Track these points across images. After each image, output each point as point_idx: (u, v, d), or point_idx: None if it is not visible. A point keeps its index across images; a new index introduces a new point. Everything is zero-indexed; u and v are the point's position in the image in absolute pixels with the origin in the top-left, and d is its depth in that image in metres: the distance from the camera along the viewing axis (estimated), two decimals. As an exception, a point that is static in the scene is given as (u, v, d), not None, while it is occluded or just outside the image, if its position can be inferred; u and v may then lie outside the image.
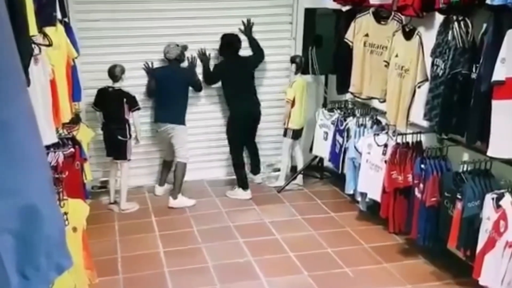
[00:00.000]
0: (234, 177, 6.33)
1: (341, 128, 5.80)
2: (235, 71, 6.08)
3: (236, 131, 6.22)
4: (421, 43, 4.55)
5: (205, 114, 6.53)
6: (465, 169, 4.03)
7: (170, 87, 5.94)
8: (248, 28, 6.27)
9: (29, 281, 1.06)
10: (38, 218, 1.07)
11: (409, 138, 4.78)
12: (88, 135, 5.62)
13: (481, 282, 3.72)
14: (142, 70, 6.12)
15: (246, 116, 6.20)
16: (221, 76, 6.21)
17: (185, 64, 6.15)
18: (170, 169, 6.28)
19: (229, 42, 6.09)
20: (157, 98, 6.07)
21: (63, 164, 4.12)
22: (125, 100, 5.65)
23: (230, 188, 6.35)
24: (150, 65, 6.13)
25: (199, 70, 6.27)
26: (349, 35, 5.52)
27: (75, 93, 4.69)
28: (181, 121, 6.01)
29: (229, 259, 4.83)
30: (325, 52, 5.97)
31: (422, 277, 4.48)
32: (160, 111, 6.04)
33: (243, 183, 6.21)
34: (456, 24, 3.98)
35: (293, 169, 6.65)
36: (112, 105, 5.70)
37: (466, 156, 4.30)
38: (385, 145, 4.95)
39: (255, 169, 6.61)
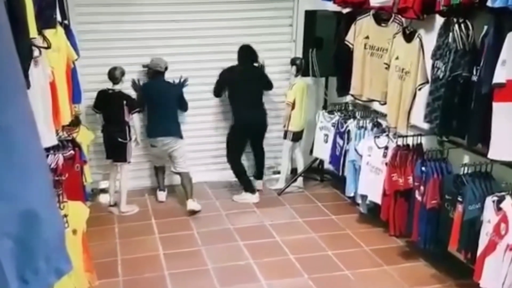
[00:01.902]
0: (234, 179, 6.32)
1: (342, 130, 5.79)
2: (248, 79, 6.06)
3: (236, 138, 6.22)
4: (421, 46, 4.55)
5: (206, 116, 6.53)
6: (465, 171, 4.02)
7: (165, 100, 5.92)
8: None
9: (28, 285, 1.06)
10: (37, 222, 1.06)
11: (409, 141, 4.78)
12: (88, 137, 5.61)
13: (482, 285, 3.71)
14: (141, 73, 6.12)
15: (249, 126, 6.18)
16: (231, 81, 6.14)
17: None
18: (164, 171, 6.28)
19: (246, 53, 6.07)
20: (152, 113, 5.97)
21: (63, 167, 4.11)
22: (125, 102, 5.65)
23: (231, 191, 6.34)
24: (137, 82, 6.07)
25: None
26: (349, 37, 5.52)
27: (75, 95, 4.68)
28: (181, 134, 6.00)
29: (229, 262, 4.83)
30: (325, 54, 5.96)
31: (422, 280, 4.48)
32: (158, 125, 5.92)
33: (249, 187, 6.19)
34: (456, 26, 3.97)
35: (294, 171, 6.64)
36: (112, 107, 5.69)
37: (466, 159, 4.30)
38: (386, 148, 4.95)
39: (259, 175, 6.56)
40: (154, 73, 5.94)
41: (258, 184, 6.51)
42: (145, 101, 5.99)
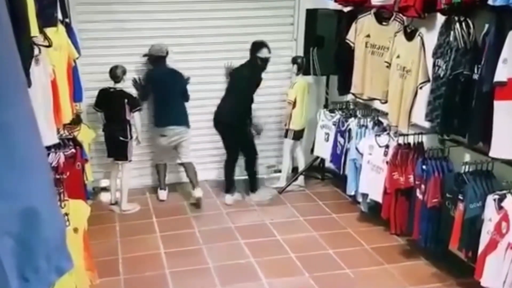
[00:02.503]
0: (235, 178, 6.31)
1: (343, 129, 5.79)
2: (238, 77, 5.95)
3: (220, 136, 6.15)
4: (422, 44, 4.54)
5: (207, 115, 6.51)
6: (466, 170, 4.02)
7: (172, 88, 5.88)
8: None
9: (29, 283, 1.06)
10: (38, 220, 1.07)
11: (410, 139, 4.78)
12: (89, 136, 5.61)
13: (483, 283, 3.71)
14: (143, 71, 6.12)
15: (216, 119, 5.95)
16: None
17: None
18: (166, 169, 6.27)
19: (251, 49, 5.91)
20: (161, 101, 5.91)
21: (64, 165, 4.12)
22: (126, 100, 5.65)
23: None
24: (138, 80, 6.01)
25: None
26: (350, 36, 5.52)
27: (76, 94, 4.69)
28: (189, 124, 6.01)
29: (230, 260, 4.83)
30: (327, 53, 5.96)
31: (423, 279, 4.48)
32: (168, 114, 5.87)
33: (226, 188, 6.15)
34: (457, 24, 3.97)
35: (294, 170, 6.65)
36: (113, 105, 5.69)
37: (467, 157, 4.29)
38: (387, 146, 4.95)
39: (250, 186, 6.24)
40: (156, 59, 5.91)
41: (253, 196, 6.17)
42: (152, 89, 5.92)
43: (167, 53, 5.91)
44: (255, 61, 5.87)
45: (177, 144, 5.98)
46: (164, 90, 5.88)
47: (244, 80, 5.91)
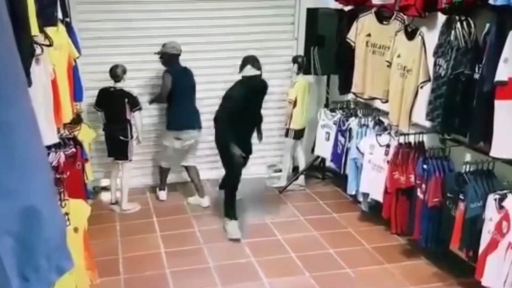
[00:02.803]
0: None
1: (343, 128, 5.79)
2: (228, 90, 5.40)
3: None
4: (423, 43, 4.54)
5: (209, 115, 6.50)
6: (467, 169, 4.02)
7: (188, 87, 5.79)
8: None
9: (29, 282, 1.06)
10: (38, 220, 1.07)
11: (411, 139, 4.78)
12: (90, 135, 5.61)
13: (484, 283, 3.71)
14: (143, 70, 6.10)
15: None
16: None
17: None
18: (169, 171, 6.23)
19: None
20: (179, 102, 5.72)
21: (64, 165, 4.11)
22: (126, 100, 5.64)
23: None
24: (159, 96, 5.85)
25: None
26: (351, 35, 5.52)
27: (77, 93, 4.69)
28: (201, 125, 5.92)
29: (231, 260, 4.83)
30: (327, 52, 5.96)
31: (424, 278, 4.47)
32: (184, 116, 5.76)
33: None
34: (458, 24, 3.97)
35: (295, 169, 6.64)
36: (113, 105, 5.69)
37: (468, 157, 4.29)
38: (387, 146, 4.94)
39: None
40: (170, 57, 5.71)
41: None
42: (171, 89, 5.68)
43: (180, 51, 5.76)
44: (243, 79, 5.31)
45: (189, 148, 5.92)
46: (180, 90, 5.72)
47: (227, 99, 5.27)
